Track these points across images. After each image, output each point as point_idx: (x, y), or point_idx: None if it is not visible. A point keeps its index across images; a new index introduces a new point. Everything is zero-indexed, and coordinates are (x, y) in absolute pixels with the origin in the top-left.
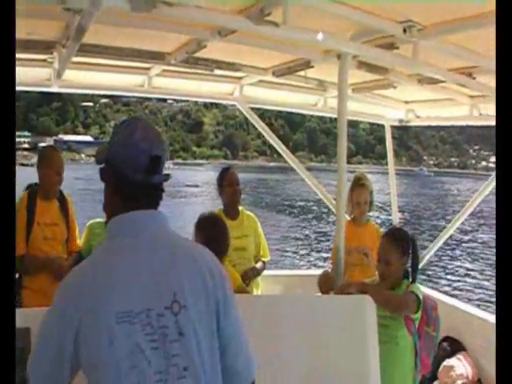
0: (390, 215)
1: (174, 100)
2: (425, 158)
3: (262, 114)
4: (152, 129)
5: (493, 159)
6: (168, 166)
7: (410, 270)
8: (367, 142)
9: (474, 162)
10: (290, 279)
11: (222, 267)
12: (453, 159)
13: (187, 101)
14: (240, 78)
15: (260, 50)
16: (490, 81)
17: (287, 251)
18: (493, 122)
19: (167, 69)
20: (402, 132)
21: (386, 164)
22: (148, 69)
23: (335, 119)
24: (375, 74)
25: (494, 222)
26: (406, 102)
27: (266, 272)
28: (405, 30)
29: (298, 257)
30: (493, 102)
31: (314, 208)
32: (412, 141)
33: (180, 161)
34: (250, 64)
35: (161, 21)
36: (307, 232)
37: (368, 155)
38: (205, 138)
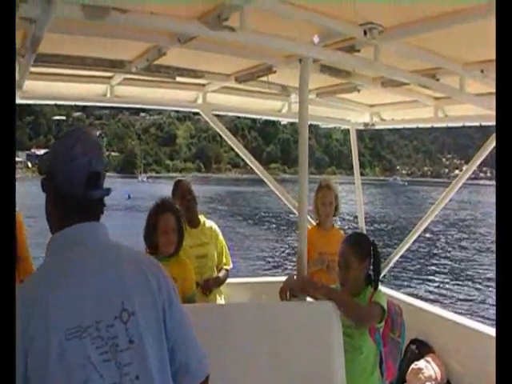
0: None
1: (147, 113)
2: (398, 167)
3: (236, 125)
4: (93, 142)
5: (465, 167)
6: (142, 180)
7: (372, 276)
8: (340, 153)
9: (447, 170)
10: (258, 286)
11: (166, 273)
12: (426, 168)
13: (160, 113)
14: (203, 85)
15: (222, 56)
16: (454, 82)
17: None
18: (457, 123)
19: (129, 77)
20: (375, 142)
21: (360, 174)
22: (110, 78)
23: (309, 130)
24: (338, 78)
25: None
26: (371, 106)
27: (233, 279)
28: (365, 32)
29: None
30: (457, 103)
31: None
32: (385, 150)
33: (153, 174)
34: (212, 70)
35: (119, 28)
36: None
37: (341, 165)
38: (178, 151)
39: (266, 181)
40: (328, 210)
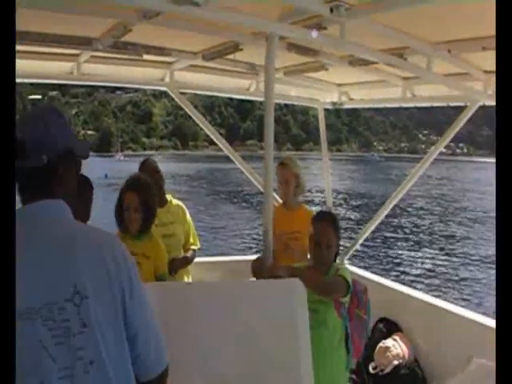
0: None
1: (123, 91)
2: (375, 143)
3: (212, 102)
4: (25, 114)
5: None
6: (119, 158)
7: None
8: (317, 129)
9: (423, 146)
10: (227, 265)
11: (128, 254)
12: (403, 144)
13: (136, 91)
14: (170, 63)
15: (189, 33)
16: (421, 62)
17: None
18: (425, 104)
19: (96, 55)
20: (352, 118)
21: (337, 151)
22: (77, 55)
23: (285, 106)
24: (305, 57)
25: None
26: (339, 85)
27: (201, 259)
28: (332, 10)
29: None
30: (425, 83)
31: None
32: (362, 127)
33: (130, 152)
34: (180, 48)
35: (85, 4)
36: None
37: (318, 142)
38: (154, 129)
39: (233, 159)
40: (285, 189)
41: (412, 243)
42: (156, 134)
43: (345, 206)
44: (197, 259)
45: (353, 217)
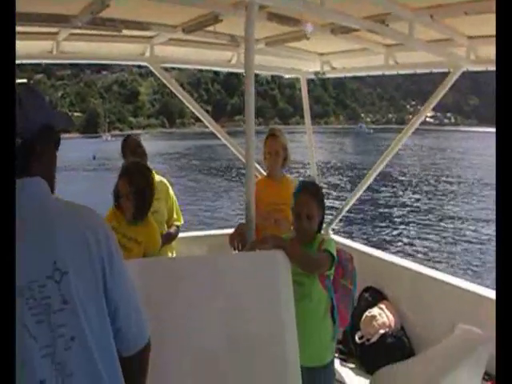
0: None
1: (109, 71)
2: (362, 115)
3: (198, 79)
4: None
5: (429, 114)
6: (106, 139)
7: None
8: None
9: (411, 117)
10: (213, 239)
11: (108, 228)
12: (390, 115)
13: (122, 70)
14: (150, 38)
15: (168, 6)
16: (403, 28)
17: None
18: (408, 71)
19: (75, 32)
20: (339, 91)
21: (325, 123)
22: (55, 33)
23: (272, 80)
24: (286, 26)
25: None
26: (321, 54)
27: (187, 234)
28: None
29: None
30: (408, 50)
31: None
32: (349, 99)
33: (117, 132)
34: (159, 22)
35: None
36: None
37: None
38: (141, 108)
39: (218, 134)
40: (274, 160)
41: None
42: (143, 113)
43: (339, 177)
44: (181, 234)
45: (349, 187)
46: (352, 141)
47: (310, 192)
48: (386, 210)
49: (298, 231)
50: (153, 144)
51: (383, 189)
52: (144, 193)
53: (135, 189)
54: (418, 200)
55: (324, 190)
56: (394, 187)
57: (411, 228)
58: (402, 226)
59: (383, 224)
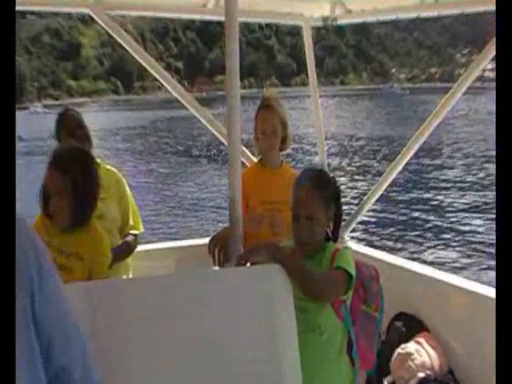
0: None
1: (37, 15)
2: (393, 70)
3: (165, 26)
4: None
5: (490, 66)
6: (35, 111)
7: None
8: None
9: (462, 71)
10: (184, 252)
11: (38, 240)
12: (433, 70)
13: (56, 15)
14: None
15: None
16: None
17: None
18: (452, 11)
19: None
20: (361, 37)
21: (341, 83)
22: None
23: (267, 25)
24: None
25: None
26: None
27: (147, 246)
28: None
29: None
30: None
31: None
32: (375, 48)
33: (51, 102)
34: None
35: None
36: None
37: (319, 76)
38: (85, 67)
39: (183, 102)
40: (270, 141)
41: None
42: (87, 74)
43: (369, 156)
44: (140, 247)
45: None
46: (381, 106)
47: (312, 183)
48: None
49: (295, 238)
50: (102, 117)
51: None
52: (85, 187)
53: (71, 182)
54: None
55: (344, 179)
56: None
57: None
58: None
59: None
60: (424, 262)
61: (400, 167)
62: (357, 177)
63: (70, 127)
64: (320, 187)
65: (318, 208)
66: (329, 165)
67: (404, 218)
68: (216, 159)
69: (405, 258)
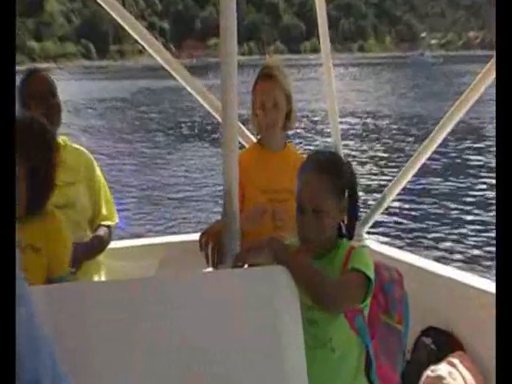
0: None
1: None
2: (423, 34)
3: None
4: None
5: None
6: None
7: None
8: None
9: None
10: (168, 249)
11: None
12: (472, 34)
13: None
14: None
15: None
16: None
17: None
18: None
19: None
20: None
21: (359, 50)
22: None
23: None
24: None
25: None
26: None
27: (125, 242)
28: None
29: None
30: None
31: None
32: (400, 8)
33: None
34: None
35: None
36: None
37: (333, 41)
38: (49, 25)
39: (170, 71)
40: (271, 117)
41: None
42: (52, 34)
43: (396, 138)
44: (115, 243)
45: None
46: (408, 78)
47: (321, 169)
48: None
49: (300, 235)
50: (72, 86)
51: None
52: (40, 169)
53: (30, 162)
54: None
55: (367, 167)
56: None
57: None
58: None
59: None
60: (463, 263)
61: (430, 151)
62: (381, 162)
63: (39, 92)
64: (331, 174)
65: (327, 199)
66: (346, 148)
67: (439, 211)
68: (210, 139)
69: (437, 259)
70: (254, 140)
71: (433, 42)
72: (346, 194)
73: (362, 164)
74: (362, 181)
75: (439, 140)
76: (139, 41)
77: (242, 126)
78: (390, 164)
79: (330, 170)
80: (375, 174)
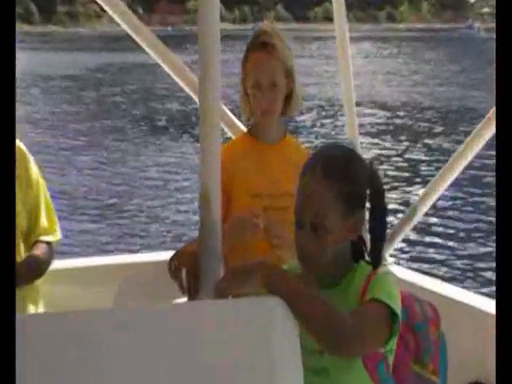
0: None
1: None
2: (472, 1)
3: None
4: None
5: None
6: None
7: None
8: None
9: None
10: (135, 271)
11: None
12: None
13: None
14: None
15: None
16: None
17: None
18: None
19: None
20: None
21: (389, 19)
22: None
23: None
24: None
25: None
26: None
27: (71, 262)
28: None
29: None
30: None
31: None
32: None
33: None
34: None
35: None
36: None
37: (352, 7)
38: None
39: (138, 42)
40: (267, 98)
41: None
42: None
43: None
44: (61, 263)
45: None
46: (454, 57)
47: (326, 171)
48: None
49: (301, 255)
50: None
51: None
52: None
53: None
54: None
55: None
56: None
57: None
58: None
59: None
60: None
61: (477, 148)
62: (423, 167)
63: None
64: (339, 177)
65: (331, 211)
66: (376, 147)
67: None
68: (191, 129)
69: (491, 295)
70: (244, 129)
71: (484, 10)
72: (363, 205)
73: (396, 169)
74: (393, 190)
75: (489, 135)
76: (97, 0)
77: (229, 113)
78: (430, 168)
79: (338, 172)
80: (412, 182)
